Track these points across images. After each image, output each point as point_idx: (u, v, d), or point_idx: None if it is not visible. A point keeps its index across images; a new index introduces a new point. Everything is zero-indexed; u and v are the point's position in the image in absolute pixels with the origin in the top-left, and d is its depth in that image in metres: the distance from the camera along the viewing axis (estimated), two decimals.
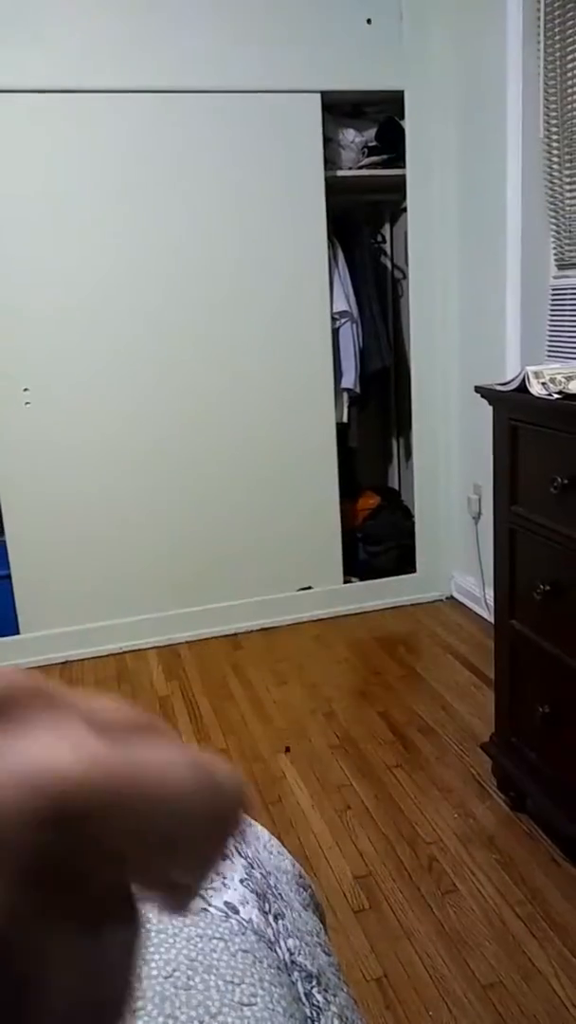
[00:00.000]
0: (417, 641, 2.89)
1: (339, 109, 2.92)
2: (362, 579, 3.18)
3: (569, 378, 1.57)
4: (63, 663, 2.84)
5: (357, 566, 3.22)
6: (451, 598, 3.20)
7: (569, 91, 2.29)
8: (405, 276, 3.05)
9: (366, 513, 3.31)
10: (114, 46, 2.53)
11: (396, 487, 3.62)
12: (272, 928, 0.76)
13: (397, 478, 3.64)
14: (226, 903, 0.73)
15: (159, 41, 2.56)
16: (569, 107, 2.30)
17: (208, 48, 2.60)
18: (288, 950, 0.76)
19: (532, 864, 1.73)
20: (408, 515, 3.25)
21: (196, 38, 2.58)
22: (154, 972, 0.62)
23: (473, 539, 2.98)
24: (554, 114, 2.36)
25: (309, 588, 3.08)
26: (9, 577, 2.78)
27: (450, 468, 3.11)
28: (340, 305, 2.95)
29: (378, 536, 3.26)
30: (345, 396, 3.09)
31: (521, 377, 1.62)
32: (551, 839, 1.79)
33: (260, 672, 2.71)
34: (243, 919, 0.72)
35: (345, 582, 3.14)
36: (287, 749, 2.23)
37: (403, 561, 3.21)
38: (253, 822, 1.06)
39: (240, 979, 0.64)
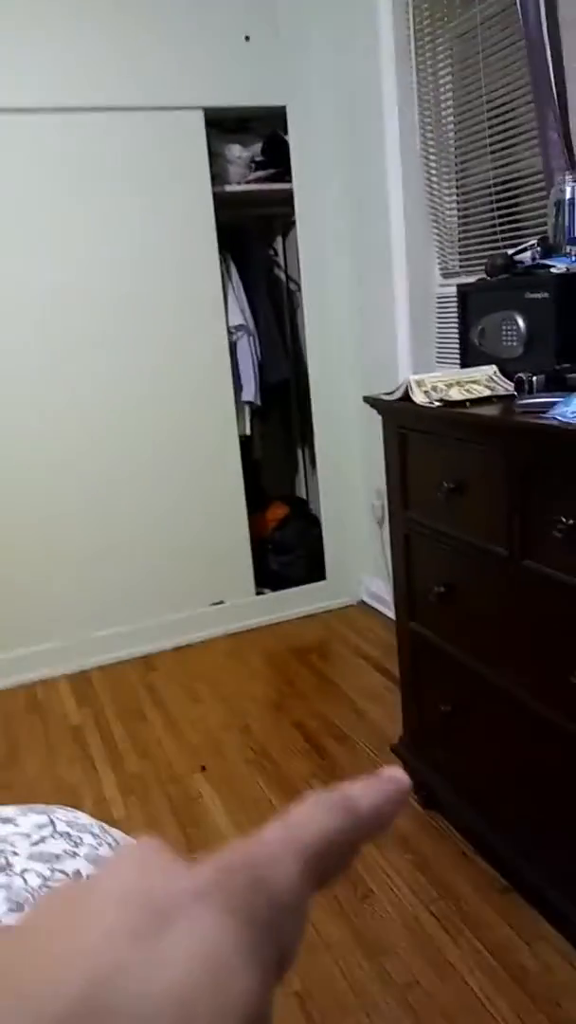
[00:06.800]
0: (329, 648, 2.91)
1: (224, 125, 2.93)
2: (274, 590, 3.19)
3: (449, 385, 1.62)
4: None
5: (269, 577, 3.23)
6: (361, 603, 3.25)
7: (443, 108, 2.36)
8: (299, 288, 3.08)
9: (275, 523, 3.32)
10: None
11: (304, 496, 3.65)
12: None
13: (304, 487, 3.67)
14: None
15: (37, 59, 2.51)
16: (444, 123, 2.38)
17: (89, 66, 2.57)
18: None
19: (444, 861, 1.77)
20: (316, 523, 3.28)
21: (76, 57, 2.55)
22: None
23: (379, 544, 3.04)
24: (430, 130, 2.43)
25: (221, 603, 3.07)
26: None
27: (354, 475, 3.16)
28: (236, 319, 2.96)
29: (288, 546, 3.28)
30: (247, 409, 3.10)
31: (404, 386, 1.66)
32: (461, 834, 1.83)
33: (174, 692, 2.68)
34: None
35: (258, 594, 3.14)
36: (203, 768, 2.21)
37: (313, 569, 3.24)
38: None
39: None
